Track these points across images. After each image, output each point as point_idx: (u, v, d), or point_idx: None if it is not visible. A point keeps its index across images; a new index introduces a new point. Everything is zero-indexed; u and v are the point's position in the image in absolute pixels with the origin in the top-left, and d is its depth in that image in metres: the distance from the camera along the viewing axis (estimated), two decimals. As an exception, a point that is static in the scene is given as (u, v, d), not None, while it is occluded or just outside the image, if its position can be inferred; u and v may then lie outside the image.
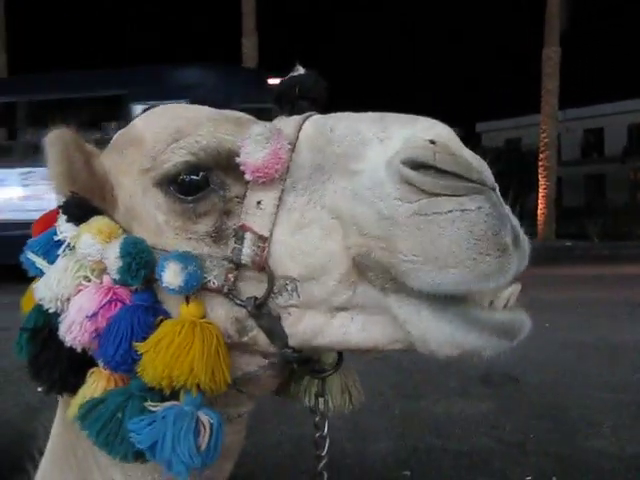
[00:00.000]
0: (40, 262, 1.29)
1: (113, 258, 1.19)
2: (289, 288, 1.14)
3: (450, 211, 1.00)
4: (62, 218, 1.29)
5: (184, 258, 1.15)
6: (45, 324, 1.28)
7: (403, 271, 1.02)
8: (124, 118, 12.97)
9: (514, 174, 40.49)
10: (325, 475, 1.45)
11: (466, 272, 1.00)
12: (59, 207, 1.31)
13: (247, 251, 1.15)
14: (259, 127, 1.19)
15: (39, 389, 1.31)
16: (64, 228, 1.27)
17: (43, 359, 1.27)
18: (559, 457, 4.99)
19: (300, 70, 1.39)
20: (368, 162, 1.08)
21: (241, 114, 1.35)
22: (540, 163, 32.45)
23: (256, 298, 1.15)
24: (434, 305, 1.04)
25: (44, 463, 1.53)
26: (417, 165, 1.03)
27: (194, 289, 1.16)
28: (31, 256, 1.30)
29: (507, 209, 1.08)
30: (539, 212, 32.22)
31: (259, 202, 1.16)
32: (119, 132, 1.40)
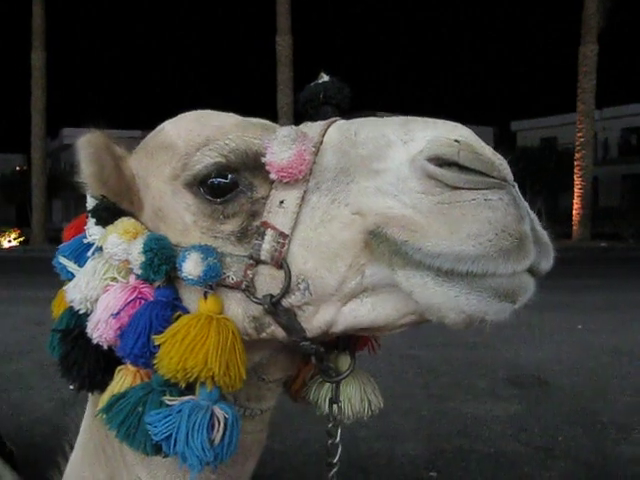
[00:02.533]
0: (71, 266, 1.34)
1: (136, 254, 1.24)
2: (301, 287, 1.17)
3: (473, 199, 1.05)
4: (91, 221, 1.34)
5: (205, 250, 1.19)
6: (76, 325, 1.33)
7: (417, 240, 1.06)
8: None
9: (549, 173, 40.00)
10: None
11: (488, 245, 1.03)
12: (88, 211, 1.36)
13: (266, 247, 1.19)
14: (285, 130, 1.23)
15: (70, 387, 1.36)
16: (93, 231, 1.33)
17: (73, 358, 1.32)
18: (588, 462, 4.94)
19: (325, 77, 1.44)
20: (391, 161, 1.12)
21: (264, 121, 1.39)
22: (576, 162, 32.02)
23: (272, 296, 1.19)
24: (440, 275, 1.07)
25: (74, 457, 1.58)
26: (441, 163, 1.07)
27: (212, 280, 1.19)
28: (62, 260, 1.36)
29: (527, 205, 1.11)
30: (574, 212, 31.81)
31: (282, 201, 1.20)
32: (148, 136, 1.45)
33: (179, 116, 1.40)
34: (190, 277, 1.19)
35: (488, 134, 60.79)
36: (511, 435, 5.53)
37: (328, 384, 1.44)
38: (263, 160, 1.21)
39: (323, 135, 1.23)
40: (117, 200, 1.34)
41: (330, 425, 1.45)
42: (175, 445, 1.13)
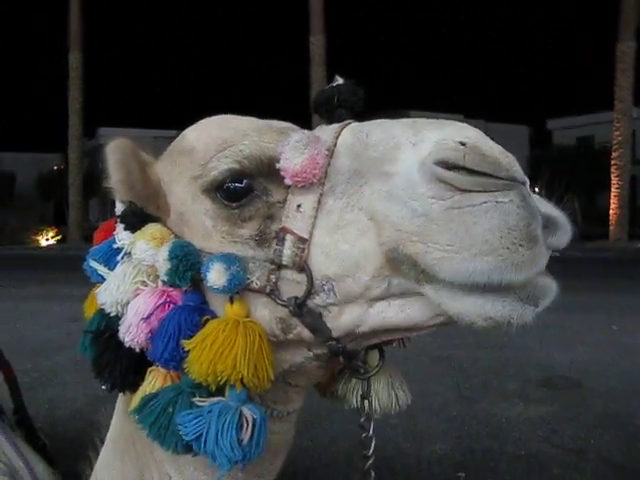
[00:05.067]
0: (101, 269, 1.38)
1: (162, 260, 1.27)
2: (326, 288, 1.19)
3: (484, 202, 1.05)
4: (120, 227, 1.38)
5: (228, 259, 1.22)
6: (107, 327, 1.37)
7: (435, 262, 1.07)
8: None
9: (586, 173, 39.44)
10: (372, 474, 1.48)
11: (499, 260, 1.03)
12: (117, 216, 1.40)
13: (287, 252, 1.20)
14: (298, 134, 1.25)
15: (103, 387, 1.40)
16: (122, 236, 1.37)
17: (105, 359, 1.36)
18: (620, 466, 4.88)
19: (339, 80, 1.46)
20: (402, 164, 1.13)
21: (286, 124, 1.41)
22: (613, 162, 31.50)
23: (296, 298, 1.21)
24: (464, 287, 1.08)
25: (105, 452, 1.62)
26: (448, 166, 1.08)
27: (237, 289, 1.22)
28: (93, 264, 1.40)
29: (536, 200, 1.12)
30: (611, 212, 31.31)
31: (299, 205, 1.22)
32: (173, 142, 1.48)
33: (201, 121, 1.43)
34: (215, 287, 1.21)
35: (523, 133, 60.17)
36: (542, 437, 5.49)
37: (356, 379, 1.46)
38: (277, 166, 1.23)
39: (337, 138, 1.25)
40: (144, 205, 1.38)
41: (362, 420, 1.46)
42: (205, 445, 1.16)
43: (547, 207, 1.14)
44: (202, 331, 1.22)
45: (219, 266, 1.21)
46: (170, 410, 1.22)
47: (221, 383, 1.19)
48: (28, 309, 11.56)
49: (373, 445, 1.48)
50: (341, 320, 1.21)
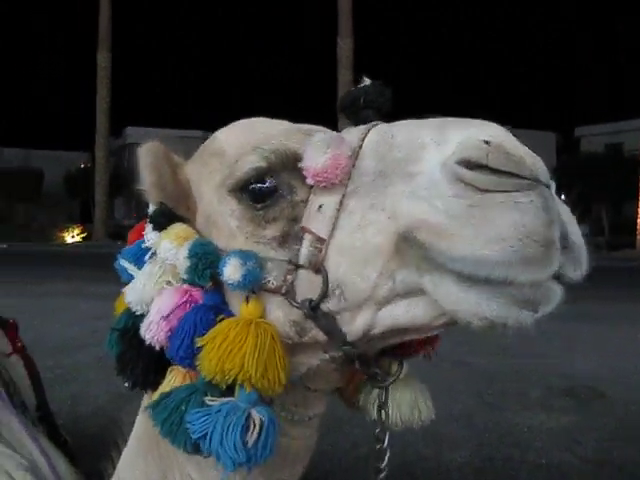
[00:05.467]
0: (131, 268, 1.41)
1: (182, 259, 1.29)
2: (337, 293, 1.19)
3: (502, 202, 1.03)
4: (149, 227, 1.40)
5: (245, 255, 1.23)
6: (133, 325, 1.38)
7: (444, 248, 1.05)
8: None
9: (614, 181, 39.03)
10: None
11: (509, 251, 1.01)
12: (146, 217, 1.42)
13: (305, 252, 1.21)
14: (320, 135, 1.26)
15: (125, 384, 1.42)
16: (150, 236, 1.39)
17: (127, 357, 1.38)
18: (643, 478, 4.82)
19: (366, 81, 1.45)
20: (425, 164, 1.12)
21: (317, 127, 1.41)
22: (642, 170, 31.12)
23: (311, 300, 1.21)
24: (462, 280, 1.06)
25: (128, 450, 1.63)
26: (472, 165, 1.06)
27: (251, 285, 1.23)
28: (123, 263, 1.42)
29: (562, 208, 1.10)
30: (639, 221, 30.95)
31: (320, 206, 1.22)
32: (204, 144, 1.50)
33: (232, 124, 1.45)
34: (230, 281, 1.22)
35: (551, 140, 59.67)
36: (564, 447, 5.42)
37: (377, 390, 1.46)
38: (300, 165, 1.24)
39: (363, 139, 1.24)
40: (174, 206, 1.40)
41: (378, 430, 1.46)
42: (210, 444, 1.16)
43: (573, 228, 1.11)
44: (214, 329, 1.23)
45: (235, 261, 1.22)
46: (182, 408, 1.22)
47: (229, 382, 1.19)
48: (53, 306, 11.65)
49: (387, 458, 1.48)
50: (354, 325, 1.20)
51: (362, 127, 1.30)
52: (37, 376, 2.47)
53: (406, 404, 1.45)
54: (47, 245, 36.90)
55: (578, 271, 1.10)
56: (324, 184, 1.21)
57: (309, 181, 1.23)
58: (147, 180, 1.39)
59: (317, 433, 1.52)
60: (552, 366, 8.18)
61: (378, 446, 1.47)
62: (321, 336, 1.24)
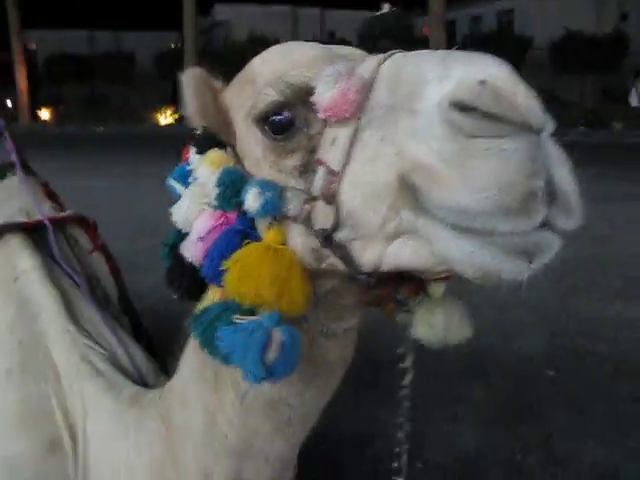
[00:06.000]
0: (179, 187, 1.50)
1: (211, 186, 1.36)
2: (349, 223, 1.21)
3: (487, 149, 1.01)
4: (193, 150, 1.47)
5: (264, 184, 1.28)
6: (181, 241, 1.47)
7: (431, 193, 1.06)
8: None
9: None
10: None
11: (488, 202, 1.00)
12: (190, 140, 1.49)
13: (318, 183, 1.23)
14: (329, 68, 1.24)
15: (174, 296, 1.54)
16: (193, 159, 1.47)
17: (175, 271, 1.51)
18: None
19: (385, 8, 1.37)
20: (425, 102, 1.10)
21: (349, 50, 1.40)
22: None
23: (324, 230, 1.24)
24: (452, 228, 1.06)
25: (187, 347, 1.70)
26: (464, 107, 1.04)
27: (270, 214, 1.28)
28: (172, 182, 1.52)
29: (553, 155, 1.05)
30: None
31: (334, 139, 1.23)
32: (243, 70, 1.51)
33: (270, 49, 1.45)
34: (250, 210, 1.28)
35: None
36: (638, 340, 5.42)
37: (422, 306, 1.46)
38: (311, 99, 1.24)
39: (377, 71, 1.22)
40: (217, 131, 1.45)
41: (400, 349, 1.51)
42: (234, 359, 1.25)
43: (563, 173, 1.06)
44: (237, 253, 1.30)
45: (255, 190, 1.27)
46: (216, 324, 1.31)
47: (247, 304, 1.27)
48: (147, 188, 12.06)
49: (410, 377, 1.54)
50: (365, 257, 1.22)
51: (378, 57, 1.27)
52: (117, 271, 2.60)
53: (438, 323, 1.45)
54: (141, 127, 37.78)
55: (571, 219, 1.07)
56: (334, 119, 1.22)
57: (320, 115, 1.24)
58: (190, 105, 1.43)
59: (352, 345, 1.58)
60: (635, 255, 8.02)
61: (401, 365, 1.52)
62: (339, 264, 1.28)
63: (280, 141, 1.31)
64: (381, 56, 1.27)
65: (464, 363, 4.88)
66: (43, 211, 2.33)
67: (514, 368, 4.96)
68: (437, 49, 1.23)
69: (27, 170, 2.48)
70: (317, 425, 1.66)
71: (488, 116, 1.03)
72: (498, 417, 4.30)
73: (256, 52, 1.46)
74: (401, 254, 1.18)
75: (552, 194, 1.03)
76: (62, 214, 2.46)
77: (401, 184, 1.12)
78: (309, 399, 1.53)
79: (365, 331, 1.61)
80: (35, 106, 44.10)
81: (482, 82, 1.04)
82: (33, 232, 2.21)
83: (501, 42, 34.10)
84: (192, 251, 1.40)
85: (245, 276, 1.26)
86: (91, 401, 1.84)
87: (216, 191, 1.35)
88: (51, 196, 2.60)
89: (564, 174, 1.06)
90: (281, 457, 1.62)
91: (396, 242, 1.19)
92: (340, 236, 1.23)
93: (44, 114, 45.29)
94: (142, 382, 2.03)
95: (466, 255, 1.06)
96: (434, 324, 1.43)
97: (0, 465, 1.80)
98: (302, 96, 1.28)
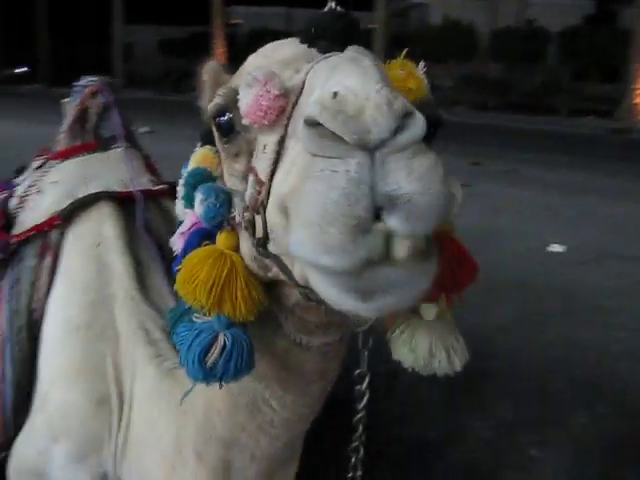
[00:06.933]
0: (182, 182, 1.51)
1: (180, 186, 1.39)
2: (271, 237, 1.15)
3: (321, 170, 0.92)
4: (199, 144, 1.50)
5: (207, 190, 1.27)
6: None
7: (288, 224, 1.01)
8: None
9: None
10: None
11: (312, 237, 0.91)
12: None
13: (248, 192, 1.19)
14: (254, 73, 1.16)
15: None
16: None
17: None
18: None
19: (329, 7, 1.27)
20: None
21: (312, 53, 1.21)
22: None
23: (259, 239, 1.18)
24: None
25: None
26: (312, 122, 0.94)
27: (213, 221, 1.27)
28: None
29: (404, 167, 0.91)
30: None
31: (265, 146, 1.16)
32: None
33: (267, 45, 1.38)
34: (197, 214, 1.29)
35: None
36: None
37: (409, 327, 1.39)
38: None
39: (307, 74, 1.12)
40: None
41: (357, 372, 1.53)
42: (181, 356, 1.27)
43: (416, 187, 0.91)
44: (188, 255, 1.30)
45: (199, 196, 1.27)
46: (182, 319, 1.34)
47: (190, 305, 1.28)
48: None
49: (365, 400, 1.53)
50: (295, 271, 1.14)
51: (313, 61, 1.16)
52: None
53: (421, 349, 1.36)
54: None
55: (404, 225, 0.91)
56: (255, 125, 1.15)
57: (244, 121, 1.17)
58: (204, 99, 1.41)
59: (335, 360, 1.50)
60: None
61: (357, 387, 1.49)
62: (282, 275, 1.21)
63: (225, 144, 1.29)
64: (313, 61, 1.16)
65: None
66: (138, 183, 2.39)
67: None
68: (380, 45, 1.12)
69: (131, 143, 2.60)
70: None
71: (332, 133, 0.92)
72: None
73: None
74: (311, 280, 1.06)
75: (393, 206, 0.90)
76: (154, 187, 2.47)
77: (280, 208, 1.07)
78: (290, 404, 1.51)
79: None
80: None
81: (335, 94, 0.93)
82: (127, 203, 2.29)
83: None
84: (176, 245, 1.44)
85: (187, 278, 1.27)
86: (139, 366, 1.93)
87: (182, 190, 1.38)
88: (151, 169, 2.69)
89: (417, 186, 0.91)
90: (269, 455, 1.64)
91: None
92: (271, 248, 1.17)
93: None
94: None
95: (320, 290, 1.00)
96: (415, 347, 1.36)
97: (55, 410, 1.96)
98: (235, 100, 1.20)
